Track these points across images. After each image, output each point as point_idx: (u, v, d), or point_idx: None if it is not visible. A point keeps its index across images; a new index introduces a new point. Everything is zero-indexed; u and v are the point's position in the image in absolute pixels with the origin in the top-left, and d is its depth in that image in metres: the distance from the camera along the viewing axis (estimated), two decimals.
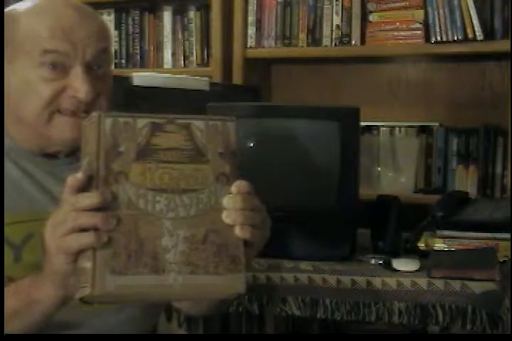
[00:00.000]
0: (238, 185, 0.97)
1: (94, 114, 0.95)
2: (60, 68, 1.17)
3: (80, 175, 0.94)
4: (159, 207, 0.93)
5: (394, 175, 2.36)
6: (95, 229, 0.91)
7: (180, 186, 0.95)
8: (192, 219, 0.94)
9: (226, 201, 0.96)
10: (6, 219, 1.16)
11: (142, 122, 0.95)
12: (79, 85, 1.16)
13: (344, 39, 2.33)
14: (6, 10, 1.22)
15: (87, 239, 0.91)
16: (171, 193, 0.94)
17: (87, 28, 1.18)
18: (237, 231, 0.95)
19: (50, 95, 1.17)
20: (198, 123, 0.97)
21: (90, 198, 0.91)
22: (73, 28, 1.16)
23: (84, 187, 0.93)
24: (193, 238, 0.94)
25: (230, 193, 0.96)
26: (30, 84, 1.17)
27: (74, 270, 0.94)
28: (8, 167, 1.21)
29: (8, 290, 1.06)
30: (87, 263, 0.91)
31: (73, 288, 0.94)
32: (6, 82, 1.20)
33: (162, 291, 0.93)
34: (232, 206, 0.95)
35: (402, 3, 2.25)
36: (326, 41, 2.35)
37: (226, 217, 0.95)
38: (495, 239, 1.74)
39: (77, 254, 0.92)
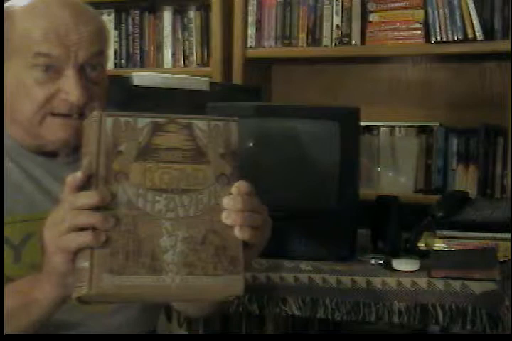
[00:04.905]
0: (238, 186, 0.96)
1: (95, 114, 0.95)
2: (52, 70, 1.16)
3: (79, 174, 0.93)
4: (158, 207, 0.93)
5: (394, 175, 2.36)
6: (94, 228, 0.90)
7: (180, 186, 0.94)
8: (191, 219, 0.94)
9: (226, 202, 0.95)
10: (6, 219, 1.16)
11: (143, 122, 0.95)
12: (70, 88, 1.15)
13: (344, 39, 2.33)
14: (5, 6, 1.21)
15: (84, 238, 0.90)
16: (171, 193, 0.94)
17: (81, 30, 1.16)
18: (237, 232, 0.95)
19: (43, 99, 1.16)
20: (199, 123, 0.97)
21: (89, 197, 0.91)
22: (67, 31, 1.15)
23: (84, 187, 0.93)
24: (192, 238, 0.93)
25: (230, 194, 0.96)
26: (23, 85, 1.17)
27: (72, 269, 0.93)
28: (9, 167, 1.21)
29: (7, 290, 1.06)
30: (84, 263, 0.91)
31: (71, 288, 0.94)
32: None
33: (159, 292, 0.92)
34: (232, 207, 0.95)
35: (402, 3, 2.25)
36: (326, 41, 2.35)
37: (225, 218, 0.95)
38: (495, 239, 1.73)
39: (76, 253, 0.92)
